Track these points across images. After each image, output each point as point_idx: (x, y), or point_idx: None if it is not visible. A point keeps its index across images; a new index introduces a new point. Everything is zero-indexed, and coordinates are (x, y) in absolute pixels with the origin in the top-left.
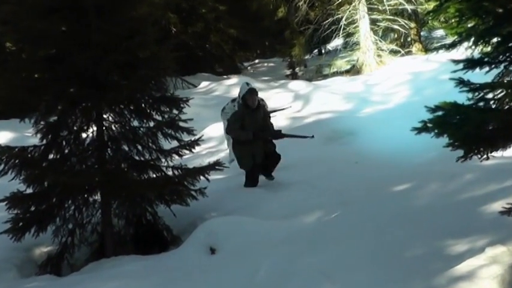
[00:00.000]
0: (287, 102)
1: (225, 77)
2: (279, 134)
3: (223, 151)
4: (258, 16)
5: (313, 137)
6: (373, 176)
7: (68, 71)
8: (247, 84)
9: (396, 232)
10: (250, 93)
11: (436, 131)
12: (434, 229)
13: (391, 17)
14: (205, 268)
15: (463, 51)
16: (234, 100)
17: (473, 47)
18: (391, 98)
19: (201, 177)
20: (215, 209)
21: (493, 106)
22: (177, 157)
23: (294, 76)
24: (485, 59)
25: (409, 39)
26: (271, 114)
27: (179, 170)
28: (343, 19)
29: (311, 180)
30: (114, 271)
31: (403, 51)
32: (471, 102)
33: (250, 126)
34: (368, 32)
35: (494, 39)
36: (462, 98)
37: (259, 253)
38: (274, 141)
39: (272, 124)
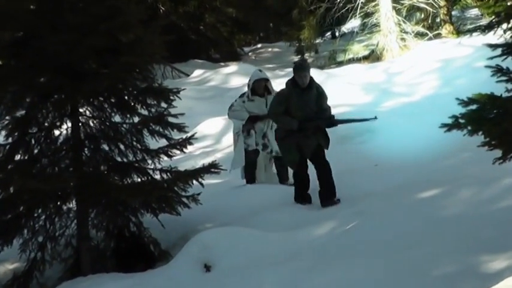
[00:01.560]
0: None
1: (222, 64)
2: (332, 122)
3: (220, 151)
4: None
5: (376, 118)
6: (395, 180)
7: (37, 58)
8: (260, 71)
9: (422, 247)
10: (299, 69)
11: (469, 127)
12: (467, 243)
13: None
14: None
15: (502, 34)
16: (242, 95)
17: None
18: (417, 89)
19: (194, 182)
20: (210, 219)
21: None
22: (166, 158)
23: None
24: None
25: (438, 19)
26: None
27: (168, 173)
28: None
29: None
30: None
31: (430, 34)
32: (511, 94)
33: (298, 111)
34: (390, 12)
35: None
36: (500, 89)
37: (261, 271)
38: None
39: (329, 108)
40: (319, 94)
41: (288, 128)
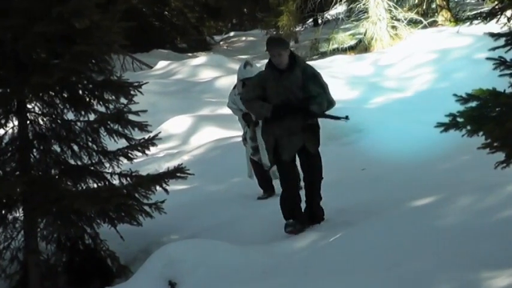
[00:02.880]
0: None
1: (190, 54)
2: (310, 112)
3: (187, 153)
4: None
5: (347, 118)
6: (385, 187)
7: None
8: (251, 65)
9: (415, 262)
10: (270, 46)
11: (468, 127)
12: (465, 258)
13: None
14: None
15: (505, 23)
16: (235, 86)
17: None
18: (410, 83)
19: (158, 188)
20: (176, 230)
21: None
22: (125, 161)
23: None
24: None
25: (433, 5)
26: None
27: (128, 178)
28: None
29: (303, 193)
30: None
31: (425, 22)
32: None
33: (275, 98)
34: None
35: None
36: (503, 83)
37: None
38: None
39: (325, 93)
40: (306, 76)
41: (260, 116)
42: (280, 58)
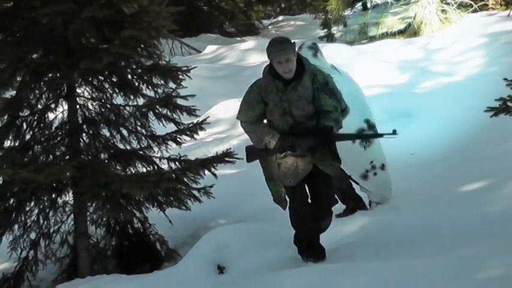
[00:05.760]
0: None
1: (238, 39)
2: (328, 136)
3: (236, 137)
4: None
5: (395, 133)
6: (434, 172)
7: (29, 31)
8: (317, 51)
9: (465, 247)
10: (274, 51)
11: None
12: None
13: None
14: None
15: None
16: None
17: None
18: (460, 68)
19: (206, 173)
20: (224, 215)
21: None
22: (174, 145)
23: (330, 38)
24: None
25: None
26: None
27: (177, 163)
28: None
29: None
30: None
31: (475, 6)
32: None
33: (278, 116)
34: None
35: None
36: None
37: (282, 273)
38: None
39: (340, 107)
40: (318, 86)
41: (262, 145)
42: (288, 65)
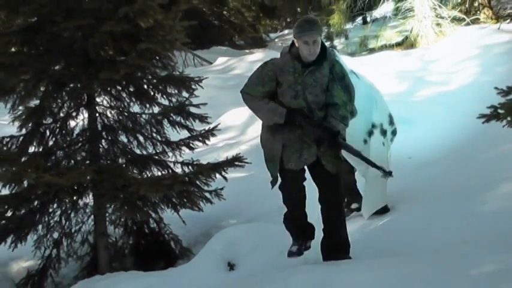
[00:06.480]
0: None
1: (247, 51)
2: (334, 141)
3: (245, 143)
4: None
5: (390, 174)
6: (430, 173)
7: (52, 44)
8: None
9: (460, 244)
10: (302, 29)
11: (509, 118)
12: (507, 240)
13: None
14: None
15: None
16: None
17: None
18: (454, 77)
19: (217, 176)
20: (235, 215)
21: None
22: (187, 150)
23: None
24: None
25: (476, 3)
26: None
27: (190, 167)
28: None
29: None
30: None
31: (468, 19)
32: None
33: (291, 98)
34: None
35: None
36: None
37: (290, 270)
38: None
39: (349, 108)
40: (334, 76)
41: (268, 121)
42: (314, 47)
